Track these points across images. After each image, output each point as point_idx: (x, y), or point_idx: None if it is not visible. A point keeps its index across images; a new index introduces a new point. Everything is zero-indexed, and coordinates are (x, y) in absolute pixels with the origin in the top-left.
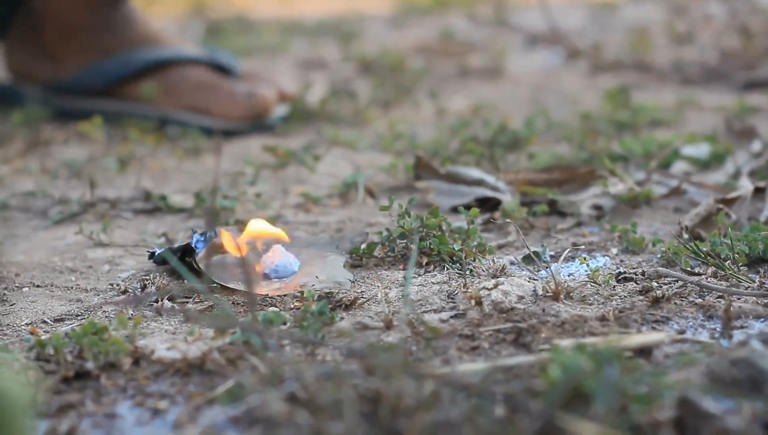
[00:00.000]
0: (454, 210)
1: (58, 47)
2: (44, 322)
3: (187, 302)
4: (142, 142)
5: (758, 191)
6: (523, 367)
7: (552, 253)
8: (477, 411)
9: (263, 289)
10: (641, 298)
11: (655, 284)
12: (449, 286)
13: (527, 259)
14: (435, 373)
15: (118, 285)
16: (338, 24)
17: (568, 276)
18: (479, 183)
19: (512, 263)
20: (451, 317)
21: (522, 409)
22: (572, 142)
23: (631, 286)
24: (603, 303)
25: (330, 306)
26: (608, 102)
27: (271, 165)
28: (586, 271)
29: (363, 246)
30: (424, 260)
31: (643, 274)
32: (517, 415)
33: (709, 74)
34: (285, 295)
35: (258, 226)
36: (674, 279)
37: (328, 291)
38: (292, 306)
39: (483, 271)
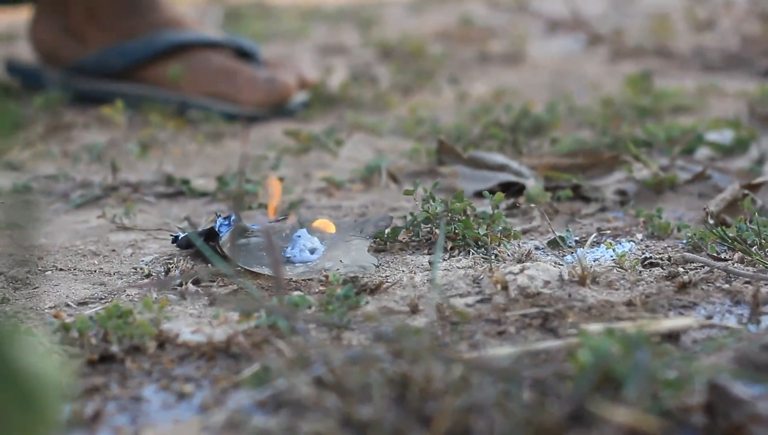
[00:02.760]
0: (478, 195)
1: (83, 26)
2: (68, 305)
3: (212, 286)
4: (163, 126)
5: None
6: (551, 351)
7: (577, 238)
8: (506, 395)
9: (288, 273)
10: (668, 283)
11: (681, 269)
12: (474, 271)
13: (553, 244)
14: (464, 357)
15: (141, 269)
16: (358, 9)
17: (594, 261)
18: (503, 168)
19: (537, 248)
20: (477, 302)
21: (552, 394)
22: (594, 128)
23: (657, 271)
24: (629, 288)
25: (355, 290)
26: (630, 88)
27: (293, 150)
28: (612, 256)
29: (387, 230)
30: (449, 245)
31: (669, 259)
32: (547, 400)
33: (731, 60)
34: (310, 280)
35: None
36: (701, 264)
37: (353, 275)
38: (317, 290)
39: (508, 255)
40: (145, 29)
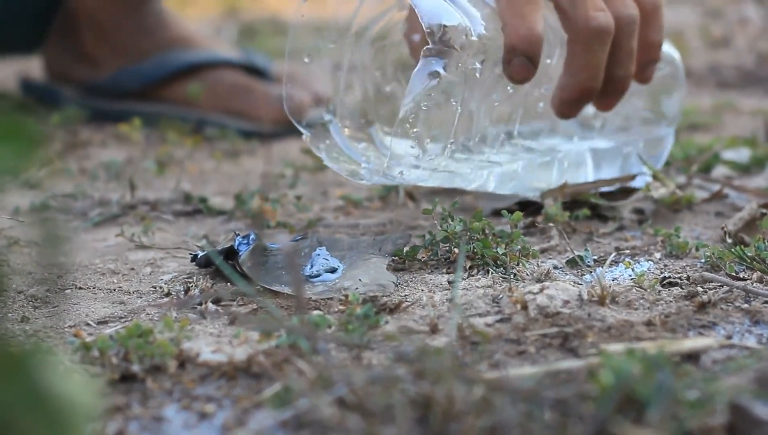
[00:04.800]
0: (496, 213)
1: (94, 49)
2: (88, 324)
3: (232, 305)
4: (180, 144)
5: None
6: (572, 371)
7: (595, 257)
8: (529, 416)
9: (307, 292)
10: (687, 303)
11: (700, 289)
12: (494, 290)
13: (571, 263)
14: (486, 377)
15: (160, 287)
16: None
17: (613, 280)
18: None
19: (556, 267)
20: (497, 321)
21: (574, 415)
22: None
23: (676, 290)
24: (649, 308)
25: (375, 310)
26: None
27: (309, 167)
28: (631, 275)
29: (406, 249)
30: (468, 264)
31: (688, 278)
32: (569, 421)
33: (746, 78)
34: (330, 299)
35: None
36: (720, 284)
37: (372, 294)
38: (337, 310)
39: (527, 275)
40: (155, 49)
